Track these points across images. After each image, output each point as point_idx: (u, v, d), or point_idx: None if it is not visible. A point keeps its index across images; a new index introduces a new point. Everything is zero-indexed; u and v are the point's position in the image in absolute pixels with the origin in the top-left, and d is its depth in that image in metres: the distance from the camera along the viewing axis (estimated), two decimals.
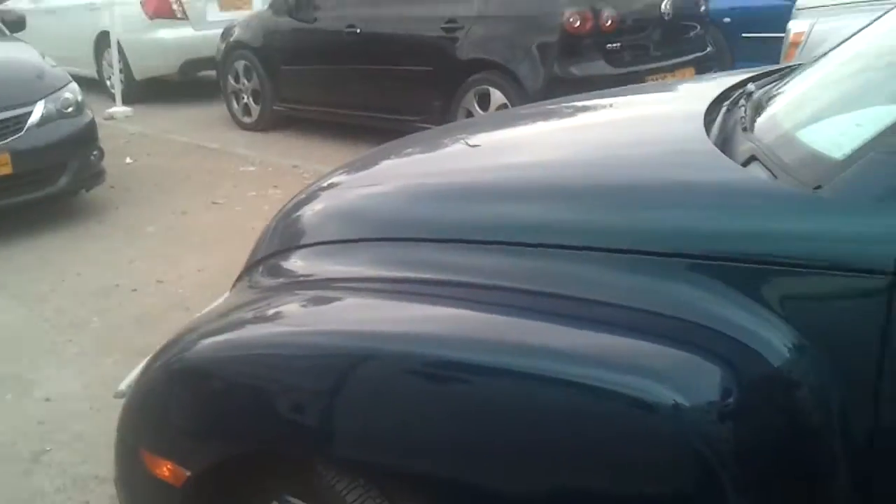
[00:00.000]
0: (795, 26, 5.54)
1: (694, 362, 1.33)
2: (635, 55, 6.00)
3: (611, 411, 1.33)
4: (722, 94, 2.04)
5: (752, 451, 1.31)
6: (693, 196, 1.52)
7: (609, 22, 5.75)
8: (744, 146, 1.64)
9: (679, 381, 1.31)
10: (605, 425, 1.33)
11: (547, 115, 2.51)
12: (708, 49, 6.51)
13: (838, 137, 1.49)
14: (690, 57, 6.22)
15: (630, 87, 2.99)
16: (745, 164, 1.56)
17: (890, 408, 1.27)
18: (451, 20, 6.16)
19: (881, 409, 1.27)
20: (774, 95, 1.89)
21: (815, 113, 1.71)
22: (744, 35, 7.82)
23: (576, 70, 5.70)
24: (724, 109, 1.90)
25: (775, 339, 1.31)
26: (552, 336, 1.43)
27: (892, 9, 1.91)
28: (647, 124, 2.06)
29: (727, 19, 8.06)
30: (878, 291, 1.25)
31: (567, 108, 2.53)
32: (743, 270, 1.36)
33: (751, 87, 1.99)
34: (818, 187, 1.36)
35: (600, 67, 5.74)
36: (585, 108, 2.46)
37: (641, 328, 1.38)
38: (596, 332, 1.41)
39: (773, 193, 1.44)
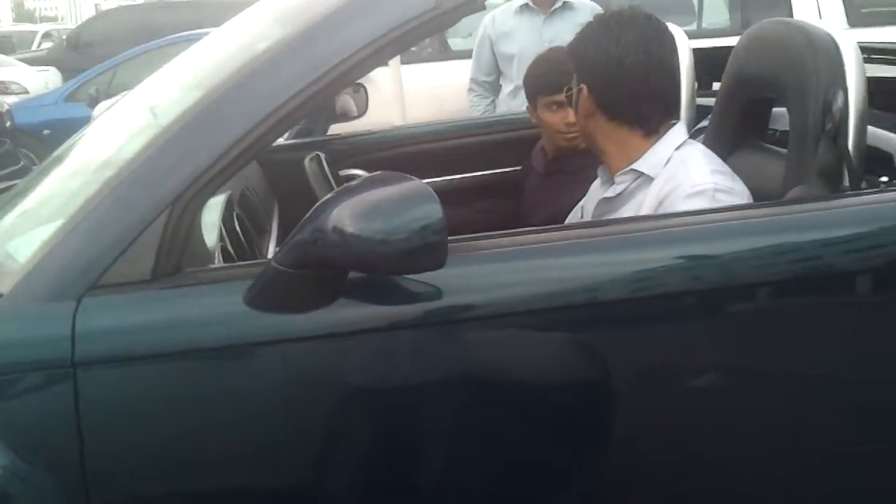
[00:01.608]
0: None
1: None
2: None
3: None
4: None
5: None
6: None
7: None
8: None
9: None
10: None
11: None
12: (21, 163, 6.43)
13: (30, 245, 1.55)
14: (2, 172, 6.03)
15: None
16: None
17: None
18: None
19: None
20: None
21: (25, 221, 1.77)
22: None
23: None
24: None
25: None
26: None
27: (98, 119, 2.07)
28: None
29: (47, 131, 8.04)
30: (64, 381, 1.34)
31: None
32: None
33: None
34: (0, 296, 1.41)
35: None
36: None
37: None
38: None
39: None
